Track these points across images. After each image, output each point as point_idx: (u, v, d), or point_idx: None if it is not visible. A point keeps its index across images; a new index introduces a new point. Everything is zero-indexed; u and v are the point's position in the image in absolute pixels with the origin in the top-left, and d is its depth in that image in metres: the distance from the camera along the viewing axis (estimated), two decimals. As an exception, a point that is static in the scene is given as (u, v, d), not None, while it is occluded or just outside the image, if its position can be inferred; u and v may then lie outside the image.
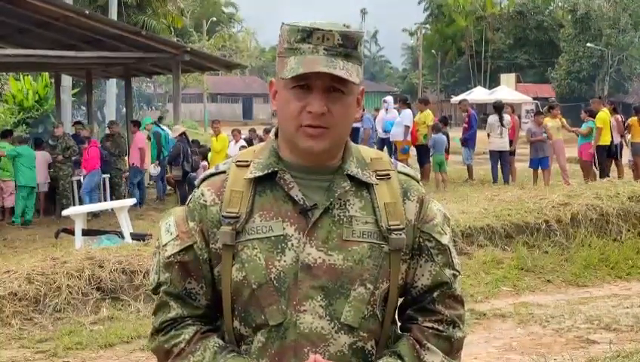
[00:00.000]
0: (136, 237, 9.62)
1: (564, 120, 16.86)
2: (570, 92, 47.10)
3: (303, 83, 1.69)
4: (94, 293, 6.88)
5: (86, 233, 9.87)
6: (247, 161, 1.81)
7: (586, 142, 16.41)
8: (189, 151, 15.65)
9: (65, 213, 11.02)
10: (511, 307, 7.14)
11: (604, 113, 16.17)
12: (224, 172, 1.82)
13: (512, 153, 17.33)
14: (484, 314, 6.89)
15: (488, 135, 17.37)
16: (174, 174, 15.38)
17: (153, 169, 15.23)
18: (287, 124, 1.74)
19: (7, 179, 14.40)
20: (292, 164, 1.77)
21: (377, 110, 21.62)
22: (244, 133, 19.54)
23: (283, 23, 1.75)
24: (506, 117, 17.01)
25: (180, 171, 15.29)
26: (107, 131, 17.41)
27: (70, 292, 6.75)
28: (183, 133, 15.68)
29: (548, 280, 8.10)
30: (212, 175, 1.84)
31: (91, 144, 14.63)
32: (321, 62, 1.67)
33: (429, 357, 1.77)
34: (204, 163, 16.07)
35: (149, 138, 17.01)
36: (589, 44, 45.11)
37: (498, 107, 17.31)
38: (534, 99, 41.74)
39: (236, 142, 16.65)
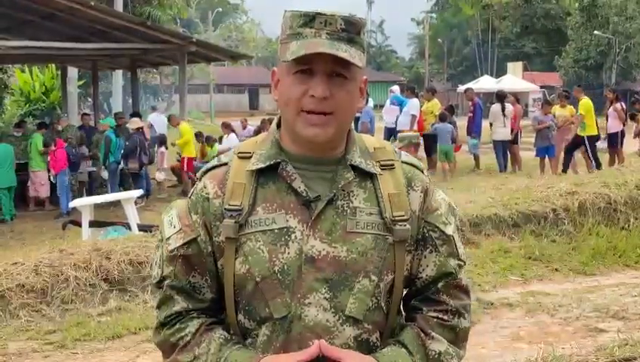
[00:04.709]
0: (143, 228, 9.62)
1: (573, 109, 16.75)
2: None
3: (306, 67, 1.67)
4: (102, 285, 6.89)
5: (93, 224, 9.87)
6: (249, 153, 1.79)
7: None
8: (146, 144, 15.63)
9: (72, 204, 11.05)
10: (519, 296, 7.13)
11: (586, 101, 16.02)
12: (226, 164, 1.80)
13: (516, 142, 17.30)
14: (492, 304, 6.88)
15: (491, 124, 17.35)
16: (131, 167, 15.27)
17: (103, 171, 15.20)
18: (287, 109, 1.72)
19: (37, 170, 14.48)
20: (294, 154, 1.75)
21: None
22: (252, 123, 19.68)
23: (285, 11, 1.73)
24: (508, 106, 16.98)
25: (137, 163, 15.22)
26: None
27: (78, 283, 6.76)
28: (140, 128, 15.67)
29: (556, 269, 8.08)
30: (214, 167, 1.82)
31: (58, 145, 14.35)
32: (324, 45, 1.65)
33: (434, 345, 1.76)
34: (162, 149, 16.19)
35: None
36: (596, 32, 44.87)
37: (500, 96, 17.28)
38: (541, 87, 41.60)
39: (227, 135, 16.82)
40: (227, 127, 17.83)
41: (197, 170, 14.69)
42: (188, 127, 16.57)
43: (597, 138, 16.07)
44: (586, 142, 15.70)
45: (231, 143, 16.78)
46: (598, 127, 16.13)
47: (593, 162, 15.57)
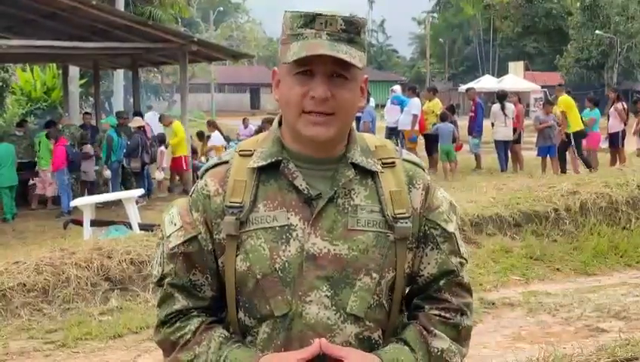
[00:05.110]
0: (144, 227, 9.62)
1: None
2: (579, 80, 46.83)
3: (306, 69, 1.67)
4: (103, 284, 6.89)
5: (94, 224, 9.87)
6: (250, 151, 1.79)
7: (592, 131, 16.32)
8: (148, 143, 15.64)
9: (73, 203, 11.05)
10: (520, 296, 7.12)
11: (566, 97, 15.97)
12: (227, 162, 1.80)
13: (518, 141, 17.30)
14: (493, 303, 6.87)
15: (492, 124, 17.36)
16: (133, 166, 15.23)
17: (105, 171, 15.21)
18: (289, 110, 1.72)
19: (46, 169, 14.48)
20: (296, 152, 1.75)
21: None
22: (253, 122, 19.70)
23: (286, 11, 1.73)
24: (510, 106, 16.98)
25: (139, 163, 15.18)
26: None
27: (79, 282, 6.76)
28: (142, 127, 15.67)
29: (557, 269, 8.08)
30: (215, 165, 1.82)
31: (58, 143, 14.25)
32: (324, 46, 1.65)
33: (437, 342, 1.75)
34: (162, 148, 16.23)
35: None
36: (597, 32, 44.84)
37: (501, 96, 17.30)
38: (543, 87, 41.58)
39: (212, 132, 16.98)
40: (211, 125, 17.97)
41: (197, 168, 14.70)
42: (180, 126, 16.60)
43: (583, 134, 15.95)
44: (572, 139, 15.65)
45: (215, 142, 16.82)
46: (583, 122, 16.04)
47: (579, 160, 15.52)
